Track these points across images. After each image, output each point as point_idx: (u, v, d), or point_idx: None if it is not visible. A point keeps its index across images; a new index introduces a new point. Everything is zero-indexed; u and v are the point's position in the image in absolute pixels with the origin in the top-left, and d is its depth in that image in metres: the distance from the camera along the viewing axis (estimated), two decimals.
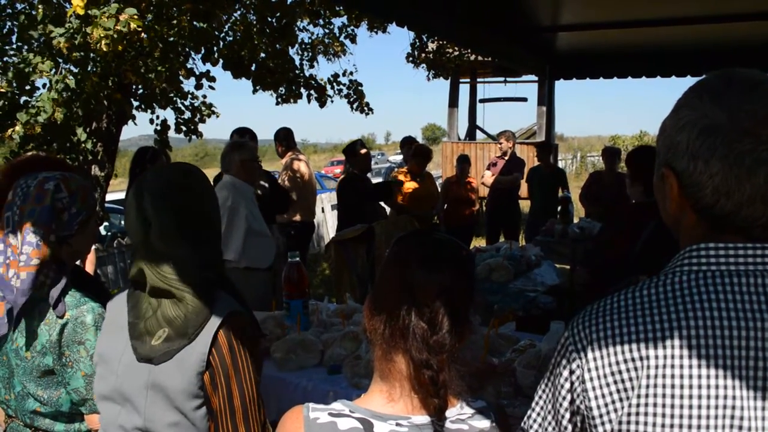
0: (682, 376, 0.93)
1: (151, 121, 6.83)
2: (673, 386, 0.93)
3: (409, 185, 6.99)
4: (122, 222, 10.37)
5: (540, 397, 1.12)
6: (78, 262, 2.20)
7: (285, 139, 6.84)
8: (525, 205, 9.66)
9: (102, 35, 4.64)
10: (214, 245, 1.71)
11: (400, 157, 11.56)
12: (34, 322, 1.84)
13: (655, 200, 3.35)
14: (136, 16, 4.81)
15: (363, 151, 6.37)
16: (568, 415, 1.05)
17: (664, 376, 0.93)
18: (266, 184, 5.51)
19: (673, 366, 0.93)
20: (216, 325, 1.58)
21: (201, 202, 1.68)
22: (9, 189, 2.03)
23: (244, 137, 5.44)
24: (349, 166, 6.55)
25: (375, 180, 10.64)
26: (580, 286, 3.68)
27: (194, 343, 1.57)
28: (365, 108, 9.02)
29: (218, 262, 1.72)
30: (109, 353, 1.68)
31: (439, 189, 7.99)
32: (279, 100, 8.08)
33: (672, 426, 0.93)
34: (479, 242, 10.17)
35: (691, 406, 0.92)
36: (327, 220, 11.93)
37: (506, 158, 8.34)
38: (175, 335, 1.58)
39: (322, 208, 11.56)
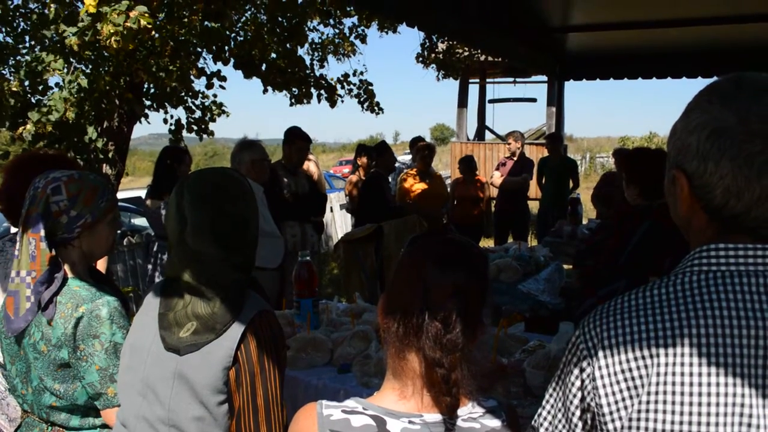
0: (691, 374, 0.94)
1: (165, 121, 6.89)
2: (682, 384, 0.94)
3: (418, 185, 6.99)
4: (132, 220, 10.41)
5: (551, 395, 1.14)
6: None
7: None
8: (534, 206, 9.64)
9: (111, 32, 4.66)
10: (248, 249, 1.74)
11: (408, 157, 11.54)
12: (46, 317, 1.87)
13: (649, 204, 3.36)
14: (147, 14, 4.82)
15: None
16: (578, 413, 1.06)
17: (674, 374, 0.95)
18: (301, 184, 5.54)
19: (683, 364, 0.95)
20: (246, 322, 1.61)
21: (238, 206, 1.71)
22: (16, 187, 2.07)
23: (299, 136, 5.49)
24: (366, 167, 6.60)
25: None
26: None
27: (222, 337, 1.59)
28: (375, 108, 9.03)
29: (249, 266, 1.75)
30: (140, 343, 1.71)
31: (448, 189, 7.99)
32: (293, 100, 8.10)
33: (681, 423, 0.94)
34: (488, 243, 10.16)
35: (700, 404, 0.93)
36: (336, 220, 11.95)
37: (515, 159, 8.34)
38: (203, 329, 1.61)
39: (331, 208, 11.57)
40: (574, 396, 1.06)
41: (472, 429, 1.29)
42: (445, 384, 1.25)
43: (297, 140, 5.43)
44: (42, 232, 1.86)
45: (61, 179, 1.92)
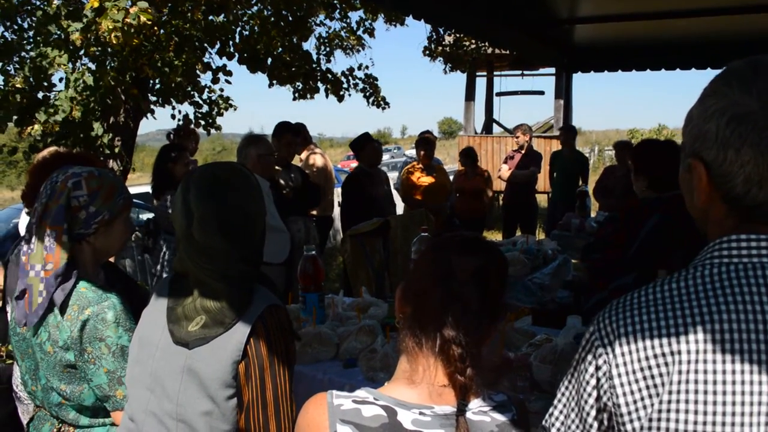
0: (715, 372, 0.90)
1: (173, 116, 6.89)
2: (706, 381, 0.90)
3: (425, 179, 6.97)
4: (140, 216, 10.43)
5: (563, 394, 1.09)
6: None
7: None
8: (542, 199, 9.60)
9: (111, 27, 4.65)
10: (254, 243, 1.74)
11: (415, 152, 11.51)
12: (51, 316, 1.86)
13: (658, 196, 3.31)
14: (149, 10, 4.82)
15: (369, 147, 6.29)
16: (593, 412, 1.02)
17: (696, 371, 0.91)
18: (294, 178, 5.52)
19: (705, 361, 0.91)
20: (256, 316, 1.60)
21: (243, 199, 1.70)
22: (41, 187, 2.08)
23: (287, 129, 5.48)
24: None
25: (391, 174, 10.63)
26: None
27: (232, 331, 1.59)
28: (381, 102, 9.00)
29: (257, 260, 1.74)
30: (149, 337, 1.71)
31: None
32: (296, 95, 8.08)
33: (705, 423, 0.90)
34: (495, 236, 10.14)
35: (725, 403, 0.89)
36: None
37: (523, 152, 8.31)
38: (212, 323, 1.60)
39: (338, 202, 11.54)
40: (589, 395, 1.02)
41: (482, 422, 1.29)
42: (461, 362, 1.27)
43: (285, 134, 5.43)
44: (64, 225, 1.86)
45: (82, 175, 1.92)
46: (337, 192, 9.25)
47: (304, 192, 5.52)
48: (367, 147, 6.19)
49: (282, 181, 5.31)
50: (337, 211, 8.48)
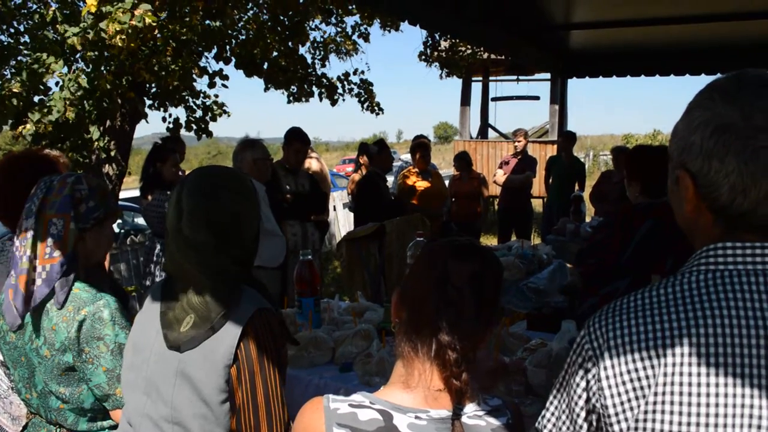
0: (699, 374, 0.93)
1: (164, 119, 6.87)
2: (690, 384, 0.93)
3: (420, 183, 6.99)
4: (135, 220, 10.42)
5: (555, 397, 1.13)
6: None
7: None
8: (537, 204, 9.61)
9: (117, 29, 4.67)
10: (244, 244, 1.74)
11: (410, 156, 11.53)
12: (46, 319, 1.86)
13: (651, 201, 3.32)
14: (150, 12, 4.82)
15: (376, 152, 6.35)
16: (583, 414, 1.05)
17: (681, 374, 0.93)
18: (301, 185, 5.53)
19: (690, 364, 0.93)
20: (246, 319, 1.61)
21: (234, 198, 1.71)
22: (4, 188, 2.11)
23: (297, 137, 5.48)
24: (368, 165, 6.53)
25: (388, 178, 10.65)
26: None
27: (223, 335, 1.59)
28: (375, 108, 9.00)
29: (247, 261, 1.75)
30: (142, 342, 1.72)
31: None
32: (290, 98, 8.09)
33: (689, 424, 0.93)
34: (490, 241, 10.15)
35: (708, 404, 0.92)
36: (339, 219, 11.94)
37: (519, 157, 8.33)
38: (200, 321, 1.61)
39: (334, 207, 11.55)
40: (579, 397, 1.05)
41: (477, 426, 1.30)
42: (456, 367, 1.28)
43: (294, 142, 5.45)
44: (71, 213, 1.89)
45: (80, 173, 1.99)
46: (333, 196, 9.27)
47: (312, 198, 5.54)
48: (384, 151, 6.35)
49: (285, 187, 5.33)
50: (332, 215, 8.52)
